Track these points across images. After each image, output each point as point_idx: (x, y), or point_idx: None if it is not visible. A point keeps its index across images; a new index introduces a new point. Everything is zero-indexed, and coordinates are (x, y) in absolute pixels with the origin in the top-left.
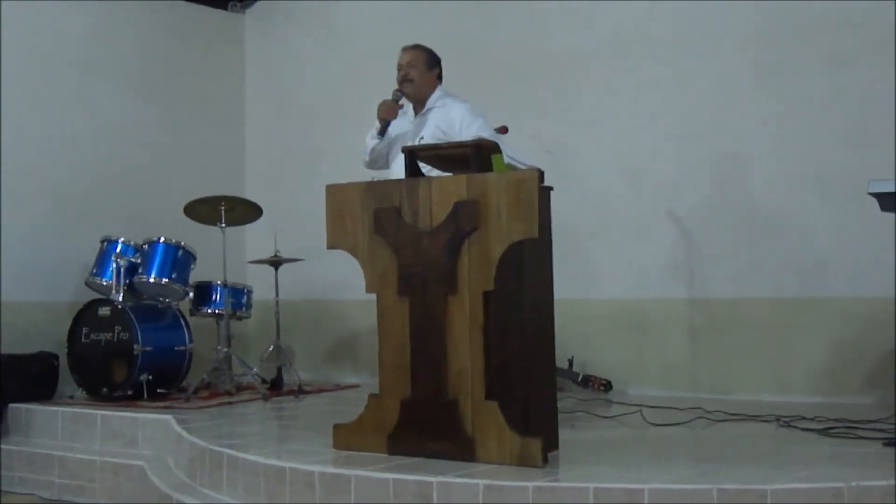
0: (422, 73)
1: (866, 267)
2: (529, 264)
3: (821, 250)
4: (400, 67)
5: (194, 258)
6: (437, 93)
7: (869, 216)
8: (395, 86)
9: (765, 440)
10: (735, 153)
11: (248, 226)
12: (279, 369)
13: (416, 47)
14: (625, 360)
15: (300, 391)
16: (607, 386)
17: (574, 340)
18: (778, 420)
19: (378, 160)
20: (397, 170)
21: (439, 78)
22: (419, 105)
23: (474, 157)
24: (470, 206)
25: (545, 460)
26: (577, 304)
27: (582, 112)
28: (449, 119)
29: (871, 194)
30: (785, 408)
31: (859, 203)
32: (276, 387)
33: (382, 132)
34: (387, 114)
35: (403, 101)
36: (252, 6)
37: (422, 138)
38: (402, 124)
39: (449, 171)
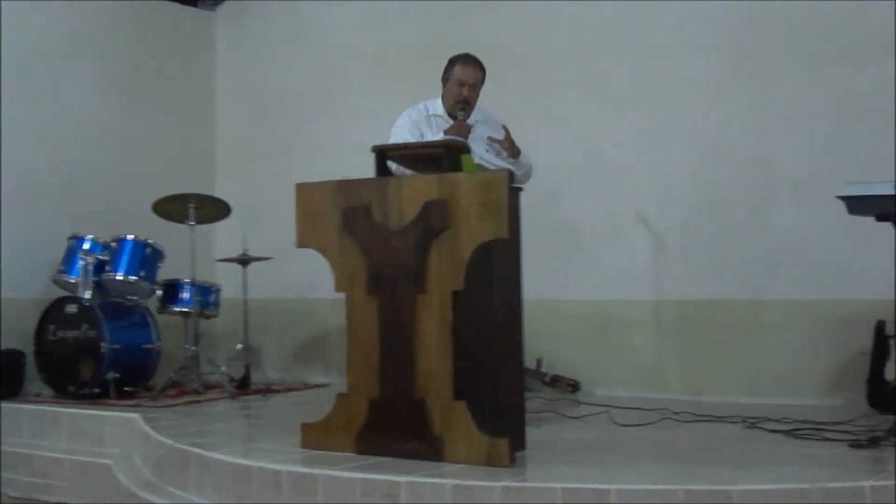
0: (477, 94)
1: (835, 269)
2: (499, 264)
3: (790, 252)
4: (462, 84)
5: (163, 256)
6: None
7: (841, 219)
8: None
9: (732, 441)
10: (706, 155)
11: (217, 224)
12: (247, 368)
13: (480, 65)
14: (593, 360)
15: (268, 390)
16: (575, 386)
17: (543, 341)
18: (745, 421)
19: None
20: None
21: None
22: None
23: (444, 157)
24: (440, 206)
25: (513, 460)
26: (546, 305)
27: (552, 113)
28: (497, 131)
29: (839, 198)
30: (752, 409)
31: (832, 205)
32: (243, 386)
33: None
34: (465, 134)
35: (440, 111)
36: (222, 4)
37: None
38: (437, 131)
39: (419, 171)
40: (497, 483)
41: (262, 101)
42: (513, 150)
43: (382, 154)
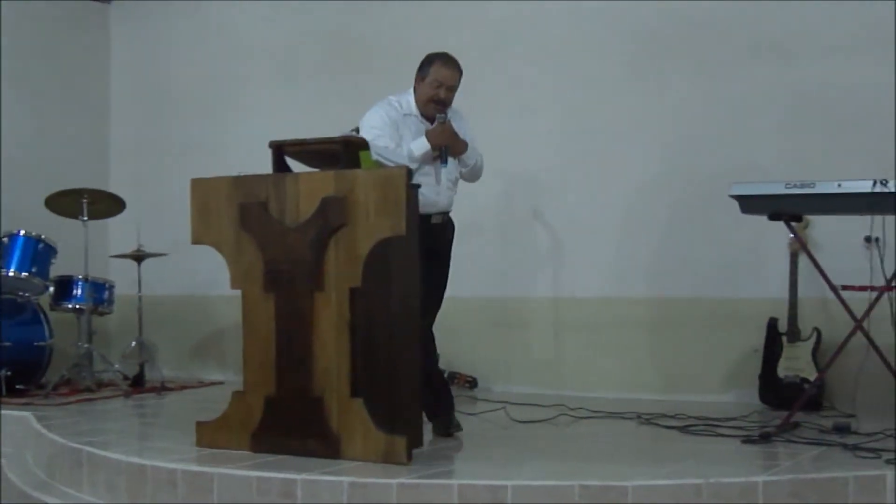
0: (453, 96)
1: (728, 267)
2: (397, 261)
3: (685, 251)
4: (440, 86)
5: (55, 252)
6: None
7: (734, 218)
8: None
9: (627, 437)
10: (607, 155)
11: (111, 219)
12: (141, 366)
13: (460, 68)
14: (490, 357)
15: (163, 388)
16: (472, 383)
17: (440, 337)
18: (640, 417)
19: None
20: (440, 183)
21: None
22: (429, 118)
23: (342, 153)
24: (337, 203)
25: (410, 458)
26: (444, 301)
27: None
28: (462, 129)
29: (732, 196)
30: (647, 405)
31: (725, 205)
32: (138, 384)
33: (445, 159)
34: (449, 140)
35: (414, 109)
36: None
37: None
38: (415, 133)
39: (316, 168)
40: (394, 480)
41: (159, 96)
42: (449, 145)
43: (280, 150)
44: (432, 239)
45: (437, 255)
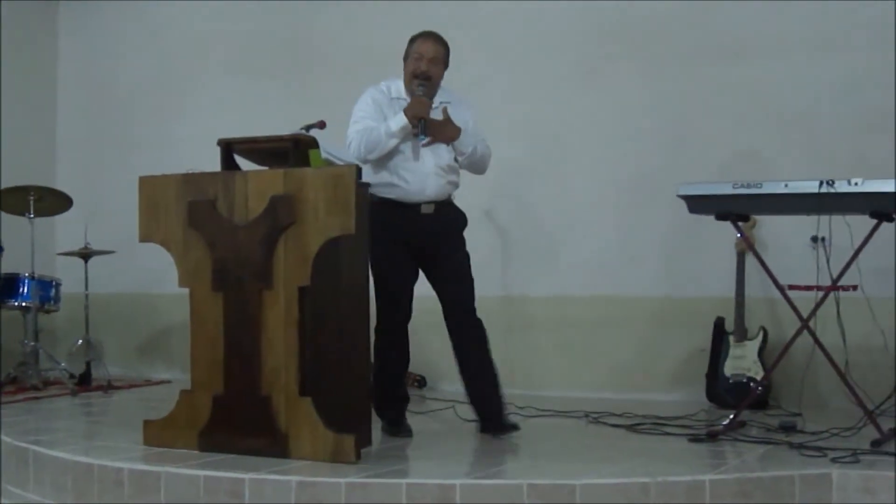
0: (440, 71)
1: (676, 267)
2: (346, 260)
3: (633, 250)
4: (420, 58)
5: (1, 249)
6: (440, 89)
7: (682, 218)
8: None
9: (575, 436)
10: (557, 154)
11: (58, 217)
12: (88, 364)
13: (441, 40)
14: (439, 356)
15: (109, 386)
16: (421, 382)
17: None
18: (587, 416)
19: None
20: (426, 169)
21: None
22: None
23: (292, 151)
24: (287, 201)
25: (358, 456)
26: None
27: None
28: (462, 117)
29: (680, 196)
30: (595, 404)
31: (672, 204)
32: (84, 382)
33: (425, 131)
34: (426, 112)
35: (403, 93)
36: None
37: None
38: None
39: (266, 166)
40: (342, 479)
41: (107, 93)
42: (436, 133)
43: (229, 148)
44: (420, 233)
45: (432, 252)
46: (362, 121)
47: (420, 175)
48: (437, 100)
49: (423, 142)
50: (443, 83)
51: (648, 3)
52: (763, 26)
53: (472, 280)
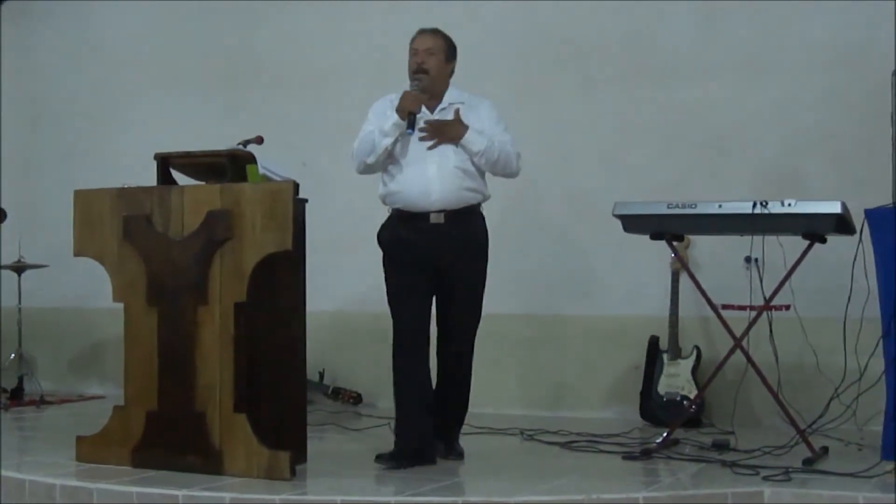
0: (440, 63)
1: (611, 285)
2: (283, 276)
3: (567, 267)
4: (415, 53)
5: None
6: (453, 89)
7: (616, 236)
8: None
9: (509, 453)
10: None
11: None
12: (20, 378)
13: (437, 33)
14: (375, 373)
15: (42, 401)
16: (357, 398)
17: (325, 353)
18: (522, 433)
19: (380, 163)
20: (427, 173)
21: (452, 73)
22: (433, 100)
23: (229, 166)
24: (223, 216)
25: (293, 473)
26: (329, 317)
27: (340, 126)
28: (479, 118)
29: (616, 216)
30: (529, 421)
31: (608, 223)
32: (16, 396)
33: (412, 126)
34: (414, 106)
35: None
36: (5, 3)
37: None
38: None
39: (202, 181)
40: (276, 496)
41: (44, 104)
42: (438, 133)
43: (165, 162)
44: (428, 245)
45: (443, 267)
46: (362, 131)
47: (422, 179)
48: (446, 100)
49: (410, 134)
50: (456, 83)
51: (585, 24)
52: (698, 49)
53: (479, 307)
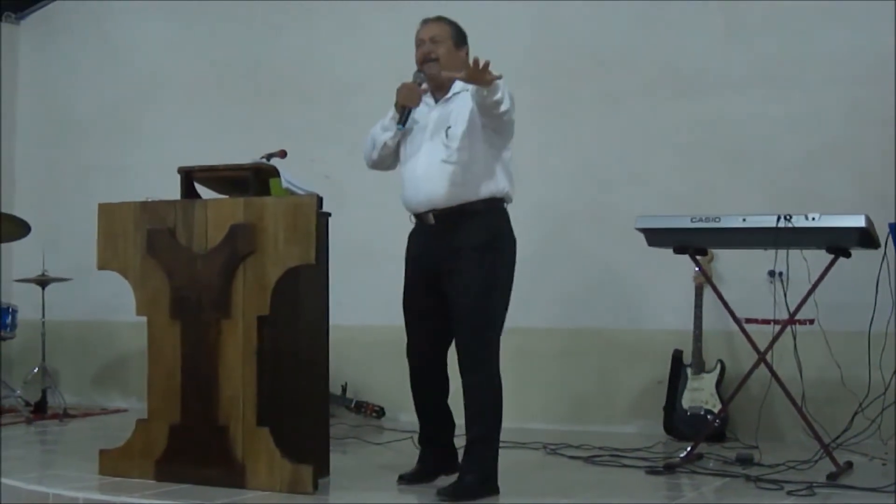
0: (448, 50)
1: (635, 299)
2: (305, 290)
3: (591, 282)
4: (421, 43)
5: None
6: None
7: (639, 250)
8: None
9: (533, 468)
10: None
11: (16, 243)
12: (44, 392)
13: (441, 20)
14: (397, 386)
15: (65, 415)
16: (380, 412)
17: (348, 366)
18: (545, 447)
19: (386, 159)
20: (416, 170)
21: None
22: (440, 90)
23: (252, 180)
24: (246, 230)
25: (315, 487)
26: (352, 331)
27: (362, 138)
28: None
29: (638, 229)
30: (552, 435)
31: (631, 236)
32: (40, 410)
33: (403, 121)
34: (409, 99)
35: (425, 84)
36: (27, 18)
37: (449, 128)
38: (420, 113)
39: (226, 195)
40: None
41: (67, 119)
42: (467, 68)
43: (189, 176)
44: (422, 253)
45: (441, 273)
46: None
47: (412, 176)
48: (452, 91)
49: (401, 129)
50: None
51: (608, 38)
52: (721, 63)
53: (482, 326)
